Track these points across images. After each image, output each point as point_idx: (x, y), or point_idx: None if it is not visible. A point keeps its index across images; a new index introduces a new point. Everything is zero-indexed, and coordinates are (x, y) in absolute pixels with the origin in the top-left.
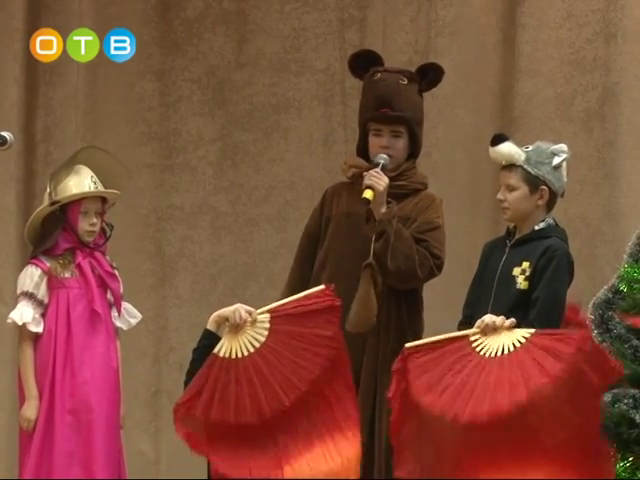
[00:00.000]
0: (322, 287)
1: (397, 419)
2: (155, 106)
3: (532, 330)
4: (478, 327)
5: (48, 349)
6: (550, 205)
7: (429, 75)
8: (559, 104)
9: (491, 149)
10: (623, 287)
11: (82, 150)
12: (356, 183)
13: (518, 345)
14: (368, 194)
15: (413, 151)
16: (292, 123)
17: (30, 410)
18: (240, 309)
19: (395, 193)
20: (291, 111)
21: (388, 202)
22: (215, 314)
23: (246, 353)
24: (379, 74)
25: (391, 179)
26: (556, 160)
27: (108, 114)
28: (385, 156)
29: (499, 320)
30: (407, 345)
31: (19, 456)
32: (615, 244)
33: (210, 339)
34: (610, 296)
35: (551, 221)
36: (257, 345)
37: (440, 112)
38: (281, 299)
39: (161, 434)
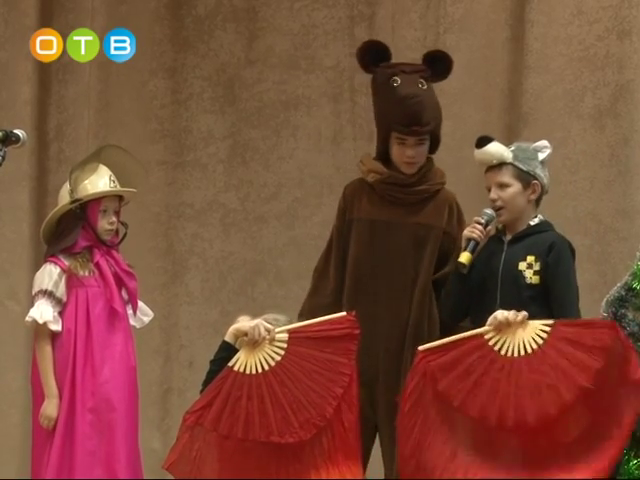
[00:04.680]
0: (344, 314)
1: (405, 419)
2: (167, 103)
3: (550, 322)
4: (490, 324)
5: (68, 348)
6: (538, 202)
7: (438, 66)
8: (568, 101)
9: (478, 151)
10: (636, 285)
11: (102, 148)
12: (377, 188)
13: (541, 342)
14: (465, 258)
15: (432, 148)
16: (301, 120)
17: (51, 408)
18: (260, 326)
19: (417, 198)
20: (300, 108)
21: None
22: (234, 327)
23: (260, 370)
24: (399, 79)
25: (412, 184)
26: (541, 155)
27: (120, 112)
28: (490, 212)
29: (511, 315)
30: (420, 348)
31: (32, 454)
32: (630, 241)
33: (228, 351)
34: (623, 294)
35: (542, 217)
36: (272, 363)
37: (448, 109)
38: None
39: (172, 432)
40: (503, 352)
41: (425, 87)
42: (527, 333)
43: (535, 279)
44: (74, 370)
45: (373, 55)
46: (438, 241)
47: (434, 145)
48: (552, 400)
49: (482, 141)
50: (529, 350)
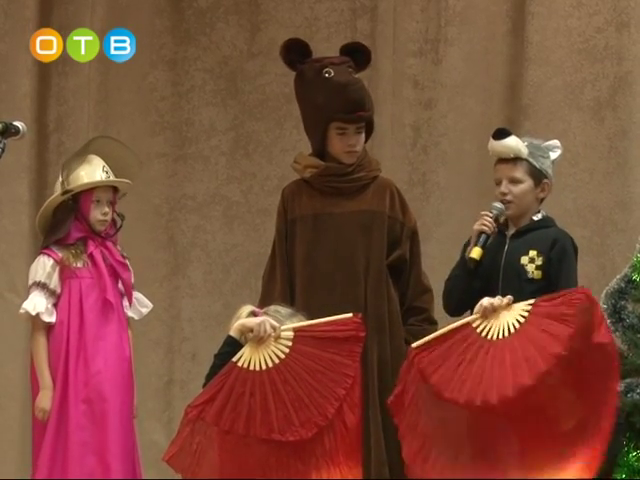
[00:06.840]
0: (350, 315)
1: (407, 417)
2: (167, 96)
3: (531, 301)
4: (477, 312)
5: (61, 339)
6: (542, 199)
7: (358, 58)
8: (568, 93)
9: (497, 142)
10: (636, 276)
11: (94, 140)
12: (315, 183)
13: (522, 321)
14: (476, 253)
15: (366, 137)
16: None
17: (45, 400)
18: (266, 322)
19: (357, 186)
20: None
21: None
22: (239, 323)
23: (264, 367)
24: (331, 70)
25: (350, 173)
26: (553, 155)
27: (120, 104)
28: (500, 206)
29: (496, 301)
30: (413, 345)
31: (33, 447)
32: (628, 233)
33: (233, 346)
34: (623, 285)
35: (544, 213)
36: (276, 361)
37: (449, 101)
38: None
39: (173, 424)
40: (489, 336)
41: (355, 75)
42: (511, 315)
43: (537, 274)
44: (67, 361)
45: (297, 52)
46: (384, 226)
47: (368, 133)
48: (528, 370)
49: (501, 133)
50: (512, 330)
